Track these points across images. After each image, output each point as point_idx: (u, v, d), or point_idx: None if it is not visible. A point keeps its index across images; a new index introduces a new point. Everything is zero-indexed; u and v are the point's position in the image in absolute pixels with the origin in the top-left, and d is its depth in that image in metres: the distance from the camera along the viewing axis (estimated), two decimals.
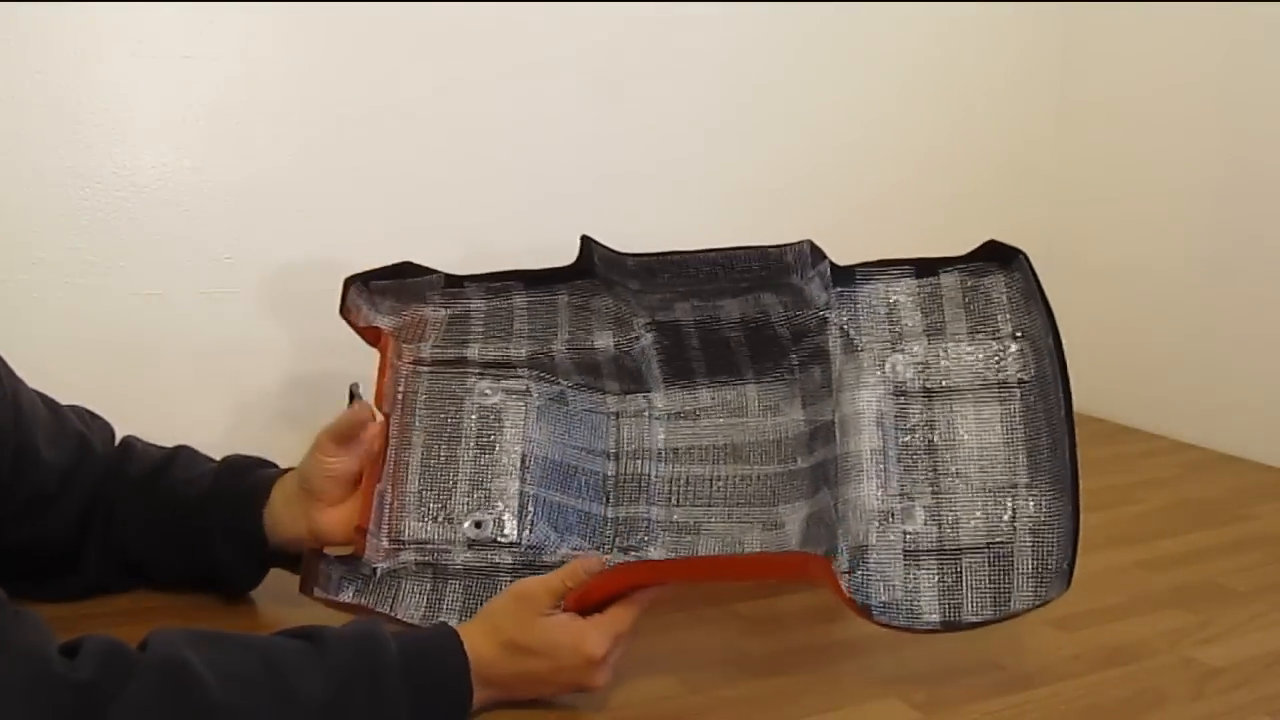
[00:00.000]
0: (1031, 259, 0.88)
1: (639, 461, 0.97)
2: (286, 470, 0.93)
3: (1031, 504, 0.84)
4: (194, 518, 0.90)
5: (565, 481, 0.95)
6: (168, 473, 0.93)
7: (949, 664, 0.86)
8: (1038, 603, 0.81)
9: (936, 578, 0.83)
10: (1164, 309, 1.54)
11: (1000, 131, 1.62)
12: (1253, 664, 0.87)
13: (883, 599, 0.83)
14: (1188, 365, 1.50)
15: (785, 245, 0.88)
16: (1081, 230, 1.63)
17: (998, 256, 0.90)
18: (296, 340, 1.25)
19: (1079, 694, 0.82)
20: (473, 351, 0.96)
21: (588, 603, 0.78)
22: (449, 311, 0.97)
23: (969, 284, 0.90)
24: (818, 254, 0.90)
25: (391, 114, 1.26)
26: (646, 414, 0.98)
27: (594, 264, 0.94)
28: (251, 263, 1.21)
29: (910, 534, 0.85)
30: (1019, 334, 0.88)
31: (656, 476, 0.96)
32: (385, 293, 0.97)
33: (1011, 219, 1.60)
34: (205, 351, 1.21)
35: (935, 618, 0.82)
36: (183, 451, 0.96)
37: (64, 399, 0.93)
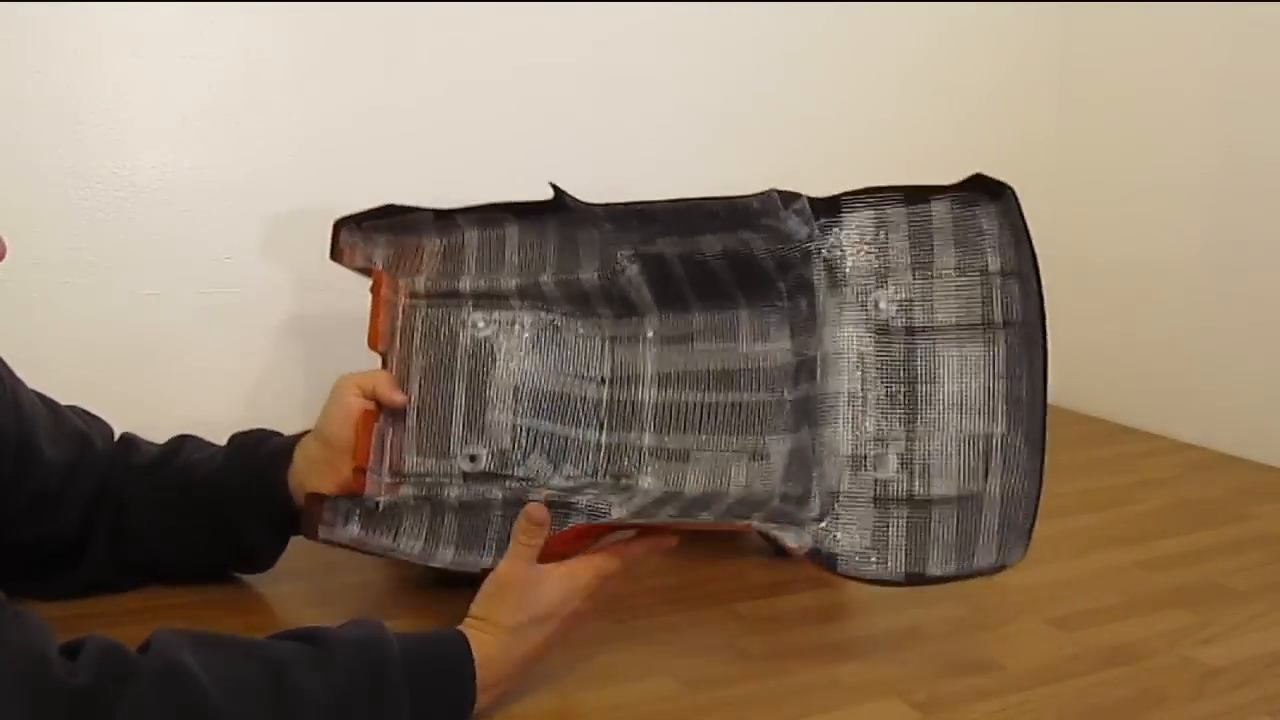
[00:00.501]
0: None
1: (631, 386, 0.97)
2: (302, 434, 0.93)
3: (1006, 456, 0.83)
4: (211, 492, 0.90)
5: (558, 410, 0.96)
6: (176, 456, 0.93)
7: (949, 664, 0.86)
8: (1000, 563, 0.81)
9: (905, 528, 0.83)
10: (1164, 309, 1.54)
11: (1000, 131, 1.62)
12: (1253, 664, 0.87)
13: (848, 548, 0.83)
14: (1188, 364, 1.50)
15: (751, 195, 0.87)
16: (1081, 229, 1.63)
17: (987, 190, 0.87)
18: (297, 339, 1.25)
19: (1079, 694, 0.82)
20: (464, 284, 0.97)
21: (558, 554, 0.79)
22: (444, 241, 0.99)
23: (960, 213, 0.87)
24: (789, 196, 0.87)
25: (391, 114, 1.26)
26: (640, 337, 0.98)
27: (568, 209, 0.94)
28: (251, 262, 1.22)
29: (881, 481, 0.84)
30: (1008, 271, 0.85)
31: (648, 402, 0.97)
32: (380, 229, 0.99)
33: None
34: (205, 351, 1.21)
35: (900, 570, 0.82)
36: (189, 439, 0.96)
37: (64, 399, 0.92)
